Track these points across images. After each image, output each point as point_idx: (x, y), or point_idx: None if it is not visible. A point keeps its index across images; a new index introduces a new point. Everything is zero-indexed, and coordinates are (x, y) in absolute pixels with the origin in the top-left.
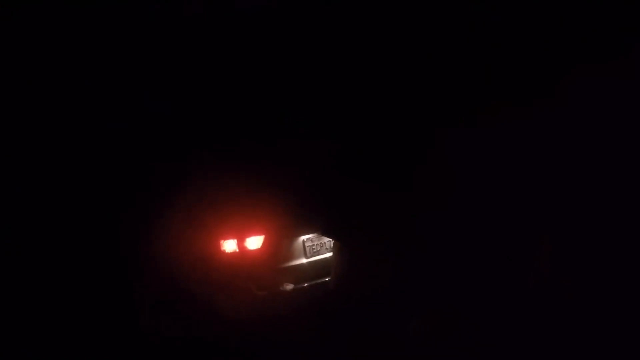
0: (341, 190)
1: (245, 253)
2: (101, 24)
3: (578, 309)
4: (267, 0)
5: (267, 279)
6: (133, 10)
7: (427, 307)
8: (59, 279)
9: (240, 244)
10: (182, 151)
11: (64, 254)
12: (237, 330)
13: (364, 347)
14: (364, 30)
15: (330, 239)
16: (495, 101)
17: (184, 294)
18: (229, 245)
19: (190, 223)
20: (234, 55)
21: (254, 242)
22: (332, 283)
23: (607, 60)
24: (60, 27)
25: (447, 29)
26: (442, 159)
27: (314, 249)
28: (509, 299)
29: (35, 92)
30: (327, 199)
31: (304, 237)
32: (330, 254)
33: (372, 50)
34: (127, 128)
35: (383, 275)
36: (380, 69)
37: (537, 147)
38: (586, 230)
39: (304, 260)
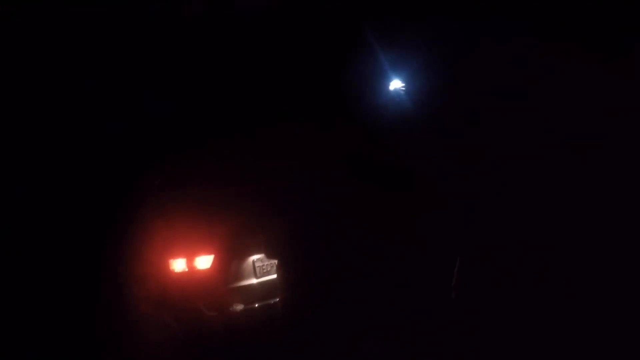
0: (285, 209)
1: (194, 272)
2: (101, 24)
3: (575, 309)
4: (267, 0)
5: (217, 299)
6: (133, 10)
7: (380, 328)
8: (47, 280)
9: (190, 263)
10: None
11: (49, 255)
12: (187, 351)
13: None
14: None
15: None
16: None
17: (132, 313)
18: (178, 265)
19: (140, 241)
20: (233, 55)
21: (204, 262)
22: (280, 306)
23: (607, 60)
24: (60, 27)
25: None
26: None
27: (264, 269)
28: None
29: (35, 92)
30: (271, 219)
31: (254, 257)
32: None
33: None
34: (127, 128)
35: (331, 296)
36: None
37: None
38: (585, 230)
39: (254, 281)
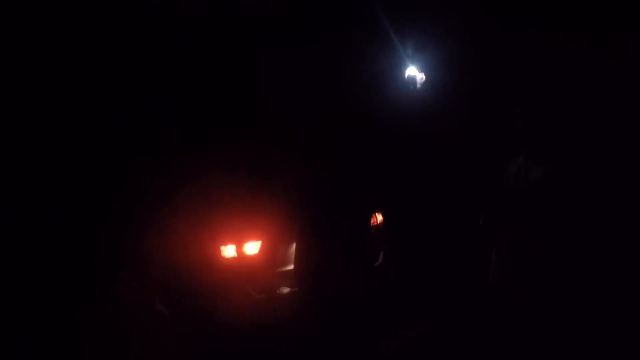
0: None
1: (243, 258)
2: (101, 24)
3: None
4: (267, 0)
5: (265, 282)
6: (133, 10)
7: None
8: (59, 279)
9: (239, 249)
10: (182, 157)
11: (65, 254)
12: (237, 332)
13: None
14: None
15: None
16: None
17: (185, 297)
18: (229, 251)
19: (191, 229)
20: (233, 55)
21: (252, 248)
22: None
23: (607, 60)
24: (61, 26)
25: None
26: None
27: None
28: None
29: (36, 92)
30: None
31: None
32: None
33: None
34: (127, 128)
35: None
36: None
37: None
38: (585, 230)
39: None
